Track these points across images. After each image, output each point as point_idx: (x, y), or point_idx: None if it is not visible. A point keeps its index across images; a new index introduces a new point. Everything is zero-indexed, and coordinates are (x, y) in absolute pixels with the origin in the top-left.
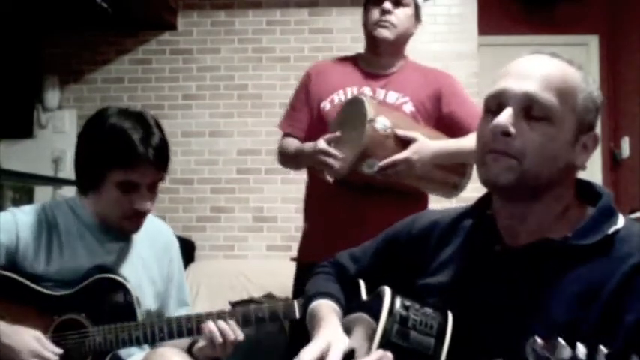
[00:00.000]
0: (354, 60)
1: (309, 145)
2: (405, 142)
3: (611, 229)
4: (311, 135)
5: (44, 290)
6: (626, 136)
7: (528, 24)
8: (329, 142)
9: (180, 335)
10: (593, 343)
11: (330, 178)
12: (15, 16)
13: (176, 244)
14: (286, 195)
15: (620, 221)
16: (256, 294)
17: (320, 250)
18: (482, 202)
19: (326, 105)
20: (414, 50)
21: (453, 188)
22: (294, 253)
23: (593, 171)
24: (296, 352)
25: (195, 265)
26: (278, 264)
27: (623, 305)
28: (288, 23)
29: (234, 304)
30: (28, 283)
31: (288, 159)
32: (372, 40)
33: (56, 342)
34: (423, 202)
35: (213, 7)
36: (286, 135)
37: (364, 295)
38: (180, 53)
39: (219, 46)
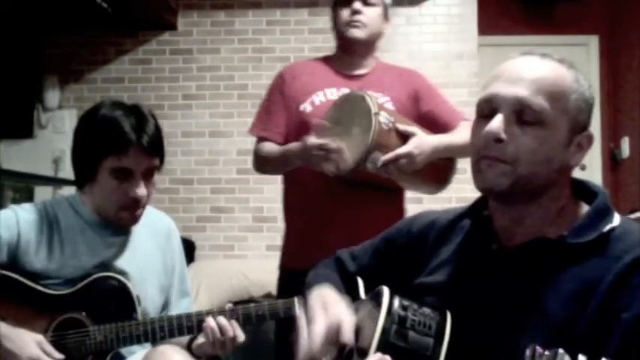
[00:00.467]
0: (326, 61)
1: (296, 145)
2: (404, 137)
3: (607, 227)
4: (290, 138)
5: (44, 289)
6: (626, 136)
7: (528, 24)
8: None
9: (181, 333)
10: (594, 353)
11: (331, 174)
12: (15, 16)
13: (177, 234)
14: None
15: (616, 219)
16: (256, 294)
17: (307, 254)
18: (479, 203)
19: (306, 107)
20: (414, 50)
21: (443, 183)
22: None
23: (593, 171)
24: (285, 349)
25: (195, 265)
26: (278, 264)
27: (620, 303)
28: (288, 23)
29: (234, 304)
30: (28, 282)
31: (271, 162)
32: (344, 41)
33: (56, 341)
34: (399, 199)
35: (213, 7)
36: (261, 139)
37: (362, 294)
38: (180, 53)
39: (219, 46)
